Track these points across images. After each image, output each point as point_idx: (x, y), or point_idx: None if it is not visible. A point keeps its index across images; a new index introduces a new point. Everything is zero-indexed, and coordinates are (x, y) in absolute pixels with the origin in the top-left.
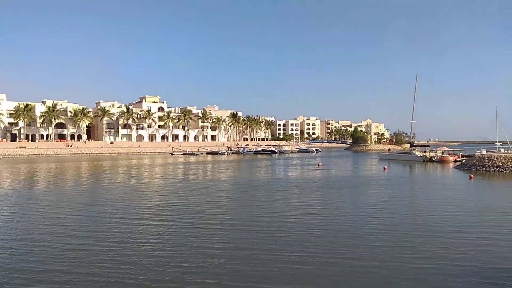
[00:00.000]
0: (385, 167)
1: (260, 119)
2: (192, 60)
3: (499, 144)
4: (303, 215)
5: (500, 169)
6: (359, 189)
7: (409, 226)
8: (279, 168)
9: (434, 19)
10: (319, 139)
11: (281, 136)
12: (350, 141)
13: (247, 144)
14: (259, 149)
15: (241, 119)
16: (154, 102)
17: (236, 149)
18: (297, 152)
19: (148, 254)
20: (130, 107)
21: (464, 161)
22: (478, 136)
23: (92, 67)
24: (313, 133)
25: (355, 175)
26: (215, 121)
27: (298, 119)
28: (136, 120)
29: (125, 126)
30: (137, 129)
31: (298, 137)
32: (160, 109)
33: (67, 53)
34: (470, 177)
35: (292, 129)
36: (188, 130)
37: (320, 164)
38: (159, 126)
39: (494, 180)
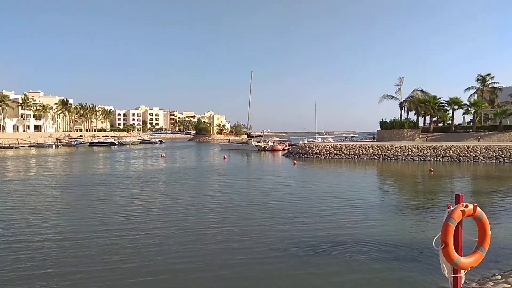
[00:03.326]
0: (225, 156)
1: (97, 108)
2: (8, 36)
3: (317, 134)
4: (144, 214)
5: (317, 155)
6: (201, 180)
7: (246, 215)
8: (119, 161)
9: (273, 20)
10: (163, 130)
11: (121, 127)
12: (194, 132)
13: (81, 135)
14: (95, 140)
15: (73, 107)
16: None
17: (67, 141)
18: (140, 143)
19: None
20: None
21: (290, 149)
22: (301, 128)
23: None
24: (157, 124)
25: (198, 165)
26: (39, 109)
27: (140, 109)
28: None
29: None
30: None
31: (141, 128)
32: None
33: None
34: (294, 163)
35: (134, 119)
36: (4, 119)
37: (163, 155)
38: None
39: (312, 165)
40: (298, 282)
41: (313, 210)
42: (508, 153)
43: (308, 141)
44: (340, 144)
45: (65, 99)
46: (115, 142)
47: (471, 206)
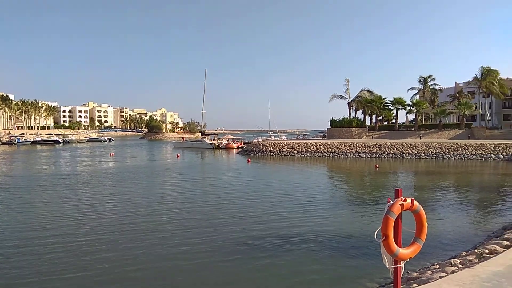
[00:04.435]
0: (178, 154)
1: (40, 104)
2: None
3: (271, 132)
4: (91, 218)
5: (271, 153)
6: (153, 180)
7: (199, 216)
8: (65, 161)
9: (223, 17)
10: (113, 127)
11: (67, 124)
12: (146, 129)
13: (23, 133)
14: (38, 138)
15: (14, 103)
16: None
17: (7, 139)
18: (87, 141)
19: None
20: None
21: (244, 147)
22: (255, 126)
23: None
24: (106, 121)
25: (149, 164)
26: None
27: (87, 105)
28: None
29: None
30: None
31: (88, 125)
32: None
33: None
34: (248, 161)
35: (80, 117)
36: None
37: (112, 154)
38: None
39: (266, 162)
40: (251, 281)
41: (266, 208)
42: (447, 150)
43: (262, 139)
44: (293, 142)
45: (4, 95)
46: (60, 140)
47: (409, 200)
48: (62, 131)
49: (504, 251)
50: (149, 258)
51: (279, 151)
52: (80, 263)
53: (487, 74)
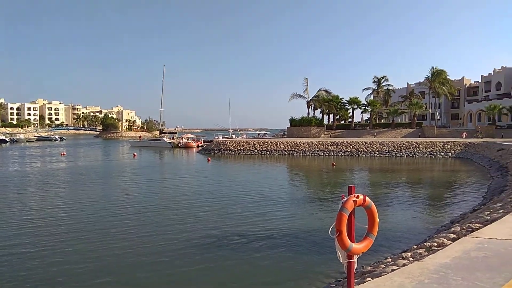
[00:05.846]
0: (135, 154)
1: None
2: None
3: (231, 131)
4: (39, 222)
5: (232, 152)
6: (107, 181)
7: (157, 219)
8: (12, 160)
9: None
10: (64, 125)
11: (14, 122)
12: (100, 128)
13: None
14: None
15: None
16: None
17: None
18: (36, 140)
19: None
20: None
21: (205, 146)
22: (215, 124)
23: None
24: (57, 119)
25: (104, 164)
26: None
27: (37, 102)
28: None
29: None
30: None
31: (38, 123)
32: None
33: None
34: (208, 160)
35: (29, 114)
36: None
37: (64, 153)
38: None
39: (227, 161)
40: (207, 280)
41: (225, 208)
42: (399, 148)
43: (223, 137)
44: (254, 141)
45: None
46: (7, 139)
47: (361, 197)
48: (9, 129)
49: (451, 243)
50: (105, 265)
51: (240, 150)
52: (28, 274)
53: (437, 74)
